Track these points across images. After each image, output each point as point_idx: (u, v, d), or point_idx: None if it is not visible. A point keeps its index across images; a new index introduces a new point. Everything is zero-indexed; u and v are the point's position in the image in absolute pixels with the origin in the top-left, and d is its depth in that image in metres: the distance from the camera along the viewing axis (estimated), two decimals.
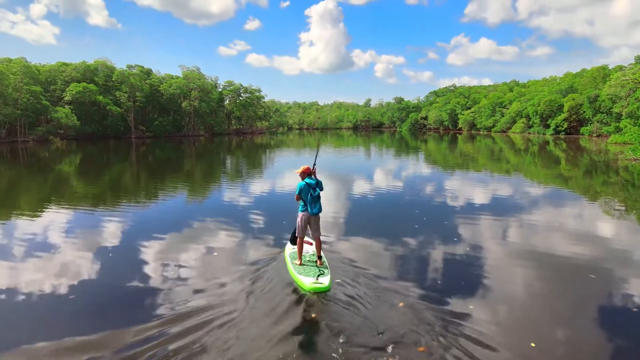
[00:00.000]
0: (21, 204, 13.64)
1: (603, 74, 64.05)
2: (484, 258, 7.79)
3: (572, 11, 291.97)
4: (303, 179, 6.91)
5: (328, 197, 14.06)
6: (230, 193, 15.98)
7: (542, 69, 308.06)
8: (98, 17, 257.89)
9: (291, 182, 17.58)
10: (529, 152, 38.00)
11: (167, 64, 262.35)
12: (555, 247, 8.53)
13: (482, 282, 6.62)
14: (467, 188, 16.32)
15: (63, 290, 6.28)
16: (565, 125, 67.29)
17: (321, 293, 6.06)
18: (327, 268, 6.77)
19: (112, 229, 9.92)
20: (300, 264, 6.85)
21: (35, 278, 6.73)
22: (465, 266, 7.37)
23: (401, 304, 5.58)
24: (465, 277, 6.85)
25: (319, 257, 7.01)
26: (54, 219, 11.00)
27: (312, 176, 6.97)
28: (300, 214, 6.94)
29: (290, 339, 4.78)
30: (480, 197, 14.38)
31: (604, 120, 58.90)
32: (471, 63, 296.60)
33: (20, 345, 4.71)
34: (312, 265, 6.84)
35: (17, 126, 52.69)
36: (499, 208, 12.55)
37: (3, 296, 6.06)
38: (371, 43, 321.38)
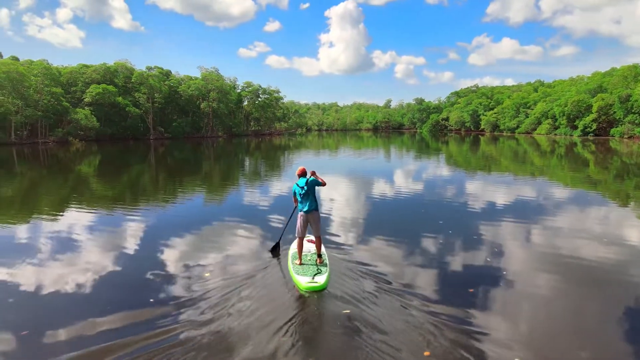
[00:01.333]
0: (42, 204, 13.89)
1: (635, 72, 61.99)
2: (524, 285, 6.59)
3: (598, 10, 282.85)
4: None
5: (348, 201, 14.08)
6: (246, 194, 16.03)
7: (567, 68, 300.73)
8: (122, 20, 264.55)
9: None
10: (556, 154, 36.80)
11: (188, 66, 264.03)
12: (595, 256, 7.90)
13: (526, 320, 5.47)
14: (493, 194, 15.08)
15: (82, 283, 6.64)
16: (594, 127, 65.35)
17: (317, 292, 6.16)
18: (326, 266, 6.90)
19: (129, 228, 10.27)
20: (300, 264, 6.99)
21: (58, 272, 7.12)
22: (503, 295, 6.23)
23: (427, 354, 4.56)
24: (505, 309, 5.76)
25: (319, 256, 7.16)
26: (74, 219, 11.28)
27: (305, 176, 7.29)
28: (298, 214, 7.22)
29: (280, 341, 4.81)
30: (509, 205, 13.09)
31: (636, 121, 57.01)
32: (493, 63, 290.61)
33: (47, 330, 5.10)
34: (311, 264, 6.99)
35: (38, 127, 53.93)
36: (534, 217, 11.28)
37: (31, 288, 6.45)
38: (391, 44, 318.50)
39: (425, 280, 6.71)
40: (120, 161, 32.90)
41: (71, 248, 8.54)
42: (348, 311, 5.52)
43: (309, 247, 7.72)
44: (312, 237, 7.82)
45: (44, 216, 11.82)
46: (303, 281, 6.32)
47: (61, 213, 12.35)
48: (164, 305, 5.75)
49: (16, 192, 16.70)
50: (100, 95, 59.33)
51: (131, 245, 8.76)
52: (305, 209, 7.08)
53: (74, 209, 12.75)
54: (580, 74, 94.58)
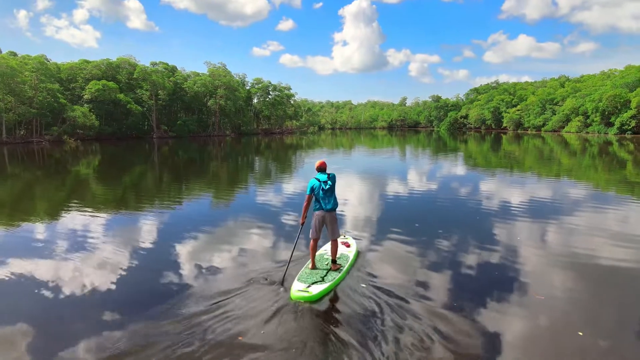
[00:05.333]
0: (36, 208, 13.35)
1: None
2: (554, 294, 6.01)
3: (618, 5, 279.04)
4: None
5: (363, 201, 13.55)
6: (255, 196, 15.40)
7: (587, 65, 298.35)
8: (137, 20, 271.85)
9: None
10: (588, 153, 33.88)
11: (202, 65, 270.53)
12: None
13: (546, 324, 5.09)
14: (513, 196, 14.10)
15: (80, 288, 6.38)
16: (633, 124, 61.02)
17: (306, 303, 5.54)
18: (339, 273, 6.41)
19: (134, 231, 10.00)
20: (312, 268, 6.58)
21: (59, 276, 6.88)
22: (523, 302, 5.75)
23: None
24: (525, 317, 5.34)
25: (334, 262, 6.67)
26: (67, 222, 10.86)
27: (325, 171, 6.70)
28: (314, 213, 6.63)
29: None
30: (530, 207, 12.11)
31: None
32: (509, 61, 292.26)
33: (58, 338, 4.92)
34: (323, 269, 6.52)
35: (33, 126, 52.04)
36: (560, 222, 10.39)
37: (38, 294, 6.18)
38: (406, 42, 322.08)
39: (448, 299, 5.80)
40: (119, 162, 31.21)
41: (67, 252, 8.18)
42: (333, 331, 4.90)
43: (342, 250, 7.32)
44: (346, 240, 7.74)
45: (38, 220, 11.35)
46: (295, 288, 5.80)
47: (56, 217, 11.73)
48: (166, 307, 5.54)
49: (7, 195, 15.83)
50: (100, 92, 57.02)
51: (134, 249, 8.38)
52: (328, 207, 6.51)
53: (69, 213, 12.10)
54: (600, 70, 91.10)
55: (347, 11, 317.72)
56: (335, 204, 6.60)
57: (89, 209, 12.45)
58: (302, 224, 6.66)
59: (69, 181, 20.08)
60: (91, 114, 56.08)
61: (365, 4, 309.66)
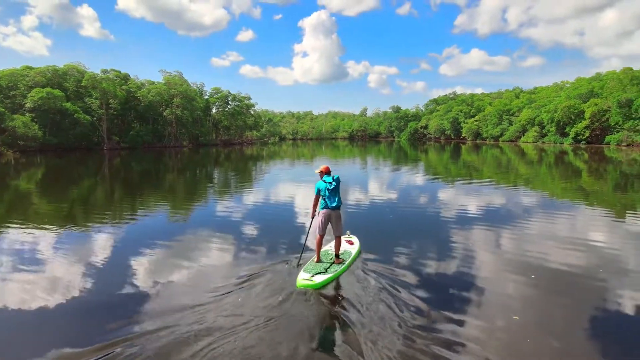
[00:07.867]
0: None
1: (631, 76, 61.43)
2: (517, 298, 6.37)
3: (562, 22, 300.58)
4: (322, 178, 7.47)
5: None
6: (213, 210, 14.76)
7: (535, 79, 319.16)
8: (90, 28, 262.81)
9: (286, 195, 17.73)
10: (544, 163, 35.22)
11: (158, 74, 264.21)
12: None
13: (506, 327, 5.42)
14: (471, 203, 14.62)
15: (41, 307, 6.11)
16: (587, 134, 64.19)
17: (310, 290, 6.24)
18: (341, 265, 7.10)
19: (87, 248, 9.38)
20: (317, 261, 7.28)
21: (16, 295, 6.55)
22: (488, 305, 6.10)
23: None
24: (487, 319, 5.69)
25: (337, 256, 7.44)
26: (7, 240, 10.15)
27: (330, 174, 7.53)
28: (320, 212, 7.39)
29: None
30: (487, 214, 12.75)
31: (637, 128, 56.19)
32: (463, 73, 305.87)
33: None
34: (327, 263, 7.20)
35: None
36: (520, 228, 10.88)
37: None
38: (365, 54, 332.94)
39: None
40: (65, 175, 28.79)
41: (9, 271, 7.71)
42: (335, 313, 5.63)
43: (346, 247, 8.08)
44: (350, 238, 8.56)
45: None
46: (300, 277, 6.52)
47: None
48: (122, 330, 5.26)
49: None
50: (43, 100, 54.07)
51: (97, 267, 7.98)
52: (333, 205, 7.31)
53: (8, 230, 11.20)
54: (553, 82, 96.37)
55: (307, 23, 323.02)
56: (340, 203, 7.39)
57: (31, 226, 11.63)
58: (312, 217, 7.60)
59: (7, 196, 18.58)
60: (33, 123, 53.18)
61: (325, 16, 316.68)
